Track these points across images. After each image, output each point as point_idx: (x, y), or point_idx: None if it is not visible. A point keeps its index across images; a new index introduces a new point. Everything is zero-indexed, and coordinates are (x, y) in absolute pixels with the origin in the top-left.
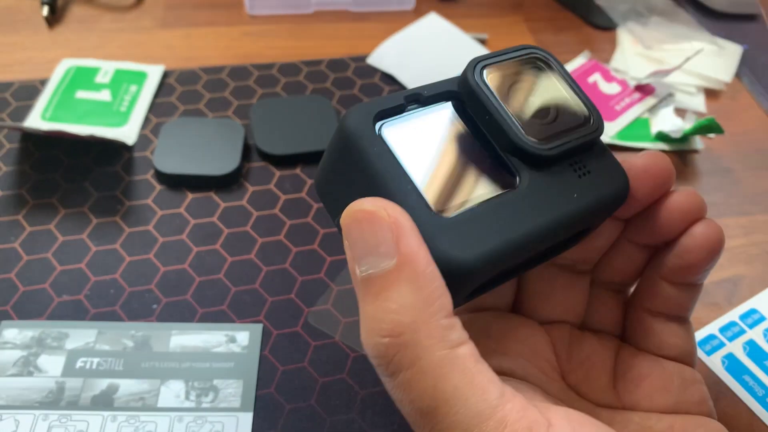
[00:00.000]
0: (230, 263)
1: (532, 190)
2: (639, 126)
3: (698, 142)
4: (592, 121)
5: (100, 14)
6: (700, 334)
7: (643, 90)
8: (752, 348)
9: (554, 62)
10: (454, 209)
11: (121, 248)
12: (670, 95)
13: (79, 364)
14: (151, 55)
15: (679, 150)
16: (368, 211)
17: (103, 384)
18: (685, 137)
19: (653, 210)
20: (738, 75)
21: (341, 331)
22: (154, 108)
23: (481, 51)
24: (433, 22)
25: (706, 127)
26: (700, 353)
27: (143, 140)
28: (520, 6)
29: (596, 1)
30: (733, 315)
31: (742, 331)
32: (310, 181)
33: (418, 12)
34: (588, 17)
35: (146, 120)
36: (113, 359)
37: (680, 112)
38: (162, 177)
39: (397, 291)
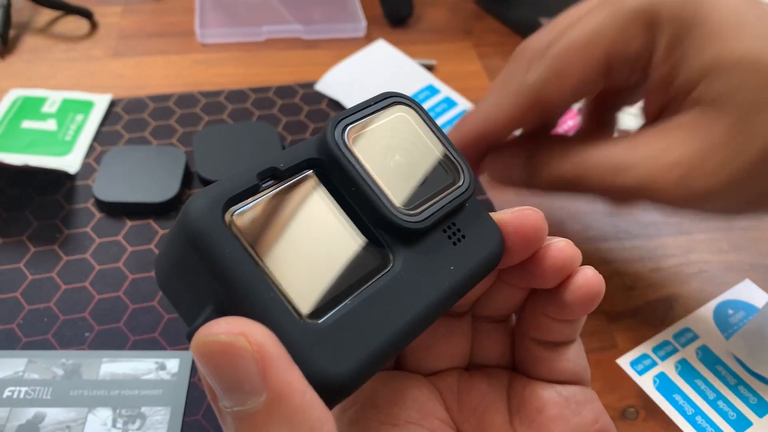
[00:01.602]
0: None
1: (406, 270)
2: None
3: None
4: (463, 178)
5: (52, 44)
6: (633, 354)
7: None
8: (684, 367)
9: (420, 111)
10: (324, 310)
11: (57, 276)
12: None
13: (6, 393)
14: (101, 85)
15: None
16: (224, 343)
17: (29, 413)
18: None
19: (527, 263)
20: None
21: None
22: (99, 137)
23: (428, 77)
24: (380, 49)
25: None
26: (632, 373)
27: (86, 169)
28: (469, 32)
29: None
30: (667, 334)
31: (674, 350)
32: None
33: (369, 39)
34: None
35: (91, 149)
36: (41, 388)
37: (623, 133)
38: (102, 205)
39: (274, 431)
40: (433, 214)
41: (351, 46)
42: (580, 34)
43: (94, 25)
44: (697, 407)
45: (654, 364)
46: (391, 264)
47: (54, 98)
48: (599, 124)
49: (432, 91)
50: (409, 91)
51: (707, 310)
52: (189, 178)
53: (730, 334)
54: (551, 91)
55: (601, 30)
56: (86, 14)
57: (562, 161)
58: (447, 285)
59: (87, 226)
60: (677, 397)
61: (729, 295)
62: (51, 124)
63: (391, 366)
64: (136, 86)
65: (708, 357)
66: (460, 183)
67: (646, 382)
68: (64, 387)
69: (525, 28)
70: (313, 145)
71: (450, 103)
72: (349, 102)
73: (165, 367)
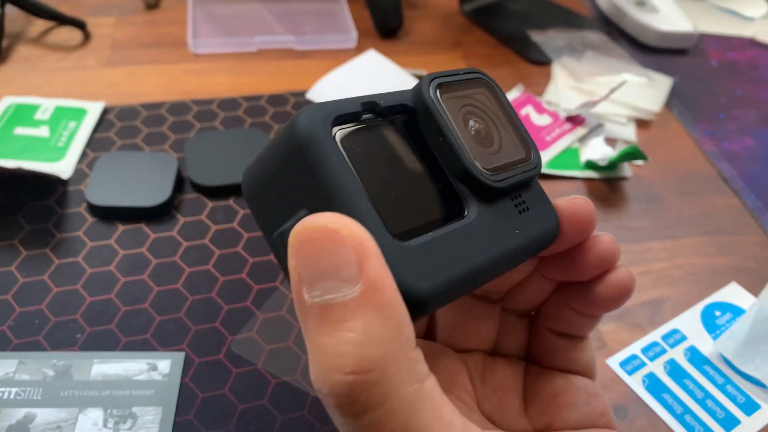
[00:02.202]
0: (156, 293)
1: (480, 222)
2: (569, 155)
3: (627, 169)
4: (533, 157)
5: (45, 54)
6: (622, 355)
7: (574, 120)
8: (673, 367)
9: (499, 91)
10: (411, 234)
11: (49, 279)
12: (600, 125)
13: None
14: (93, 93)
15: (609, 177)
16: (329, 229)
17: (19, 413)
18: (612, 165)
19: (572, 252)
20: (668, 105)
21: (264, 358)
22: (91, 143)
23: None
24: (371, 59)
25: (630, 154)
26: (622, 373)
27: (79, 174)
28: (458, 43)
29: (532, 38)
30: (656, 335)
31: (663, 351)
32: (242, 212)
33: (360, 50)
34: (524, 53)
35: (83, 155)
36: (32, 389)
37: (611, 141)
38: (94, 209)
39: (363, 321)
40: (508, 178)
41: (342, 56)
42: None
43: (87, 36)
44: (686, 406)
45: (643, 364)
46: (466, 213)
47: (47, 105)
48: None
49: None
50: None
51: (695, 311)
52: (181, 184)
53: (718, 335)
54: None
55: None
56: (79, 25)
57: None
58: (513, 243)
59: (79, 230)
60: (666, 396)
61: (716, 297)
62: (44, 131)
63: (422, 334)
64: (129, 94)
65: (696, 357)
66: (530, 160)
67: (635, 382)
68: (54, 388)
69: (513, 40)
70: (408, 94)
71: None
72: None
73: (156, 368)
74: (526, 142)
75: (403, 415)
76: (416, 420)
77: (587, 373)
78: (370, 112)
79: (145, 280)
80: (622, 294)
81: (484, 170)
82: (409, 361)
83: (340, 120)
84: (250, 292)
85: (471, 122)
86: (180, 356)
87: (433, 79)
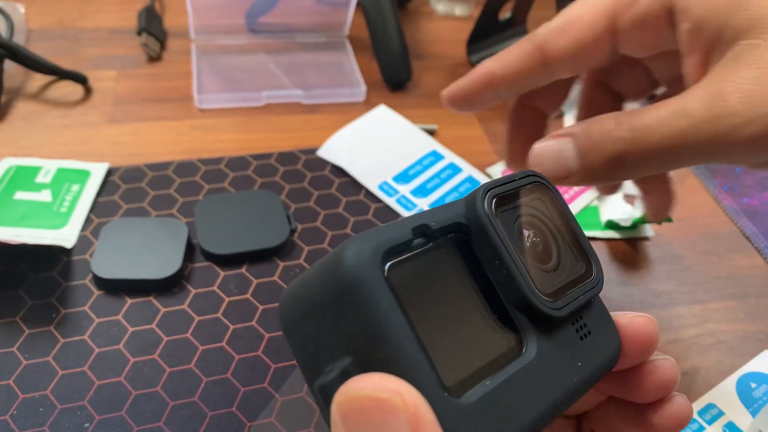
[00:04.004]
0: (168, 374)
1: (540, 359)
2: (589, 214)
3: (648, 229)
4: (594, 272)
5: (46, 110)
6: None
7: None
8: None
9: (556, 194)
10: (466, 387)
11: (53, 361)
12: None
13: None
14: (96, 152)
15: (630, 237)
16: (379, 399)
17: None
18: (635, 225)
19: (628, 373)
20: None
21: None
22: (96, 208)
23: (431, 142)
24: (382, 114)
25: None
26: None
27: (83, 242)
28: None
29: None
30: (692, 412)
31: (701, 428)
32: (256, 281)
33: (368, 103)
34: None
35: (87, 221)
36: None
37: (629, 198)
38: (100, 282)
39: None
40: (569, 304)
41: (351, 110)
42: None
43: (88, 90)
44: None
45: None
46: (524, 348)
47: (48, 167)
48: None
49: (436, 156)
50: (413, 156)
51: (729, 383)
52: (191, 252)
53: (756, 409)
54: (555, 42)
55: None
56: (80, 79)
57: (616, 129)
58: (576, 380)
59: (85, 304)
60: None
61: (750, 367)
62: (46, 195)
63: None
64: (133, 153)
65: None
66: (592, 277)
67: None
68: None
69: None
70: (460, 208)
71: (455, 169)
72: (353, 169)
73: None
74: (586, 253)
75: None
76: None
77: None
78: (420, 236)
79: (156, 359)
80: (678, 427)
81: (545, 297)
82: None
83: (390, 253)
84: (268, 372)
85: (527, 233)
86: None
87: (488, 191)
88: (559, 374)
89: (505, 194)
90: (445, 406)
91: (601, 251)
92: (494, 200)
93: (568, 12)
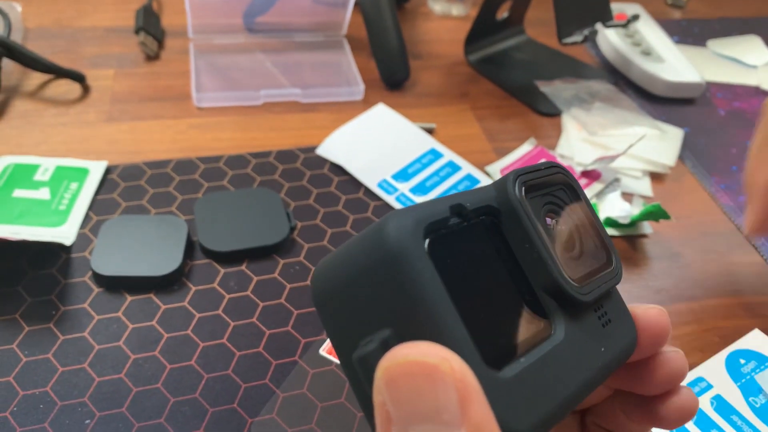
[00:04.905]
0: (169, 371)
1: (569, 341)
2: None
3: (647, 226)
4: (614, 263)
5: (43, 108)
6: None
7: (590, 175)
8: (700, 417)
9: (578, 187)
10: (503, 362)
11: (53, 358)
12: (617, 180)
13: None
14: (94, 150)
15: (629, 235)
16: (428, 365)
17: None
18: (633, 223)
19: (639, 365)
20: (681, 158)
21: None
22: (95, 205)
23: (430, 141)
24: (381, 113)
25: (653, 214)
26: None
27: (82, 240)
28: (466, 95)
29: (540, 89)
30: None
31: None
32: (256, 279)
33: (366, 102)
34: (532, 104)
35: (86, 218)
36: None
37: (627, 196)
38: (100, 279)
39: None
40: (594, 290)
41: (349, 109)
42: None
43: (86, 89)
44: None
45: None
46: (554, 330)
47: (47, 165)
48: None
49: (435, 155)
50: (412, 155)
51: (719, 359)
52: (191, 249)
53: (744, 384)
54: None
55: None
56: (78, 77)
57: None
58: (600, 364)
59: (84, 302)
60: None
61: (740, 344)
62: (44, 193)
63: None
64: (132, 152)
65: (722, 406)
66: (612, 267)
67: None
68: None
69: (520, 91)
70: (491, 192)
71: (454, 167)
72: (351, 166)
73: None
74: (606, 245)
75: None
76: None
77: None
78: (457, 216)
79: (157, 356)
80: (684, 419)
81: (573, 282)
82: None
83: (430, 228)
84: (269, 368)
85: (552, 222)
86: None
87: (519, 176)
88: (586, 357)
89: (533, 182)
90: (487, 378)
91: None
92: (524, 186)
93: None
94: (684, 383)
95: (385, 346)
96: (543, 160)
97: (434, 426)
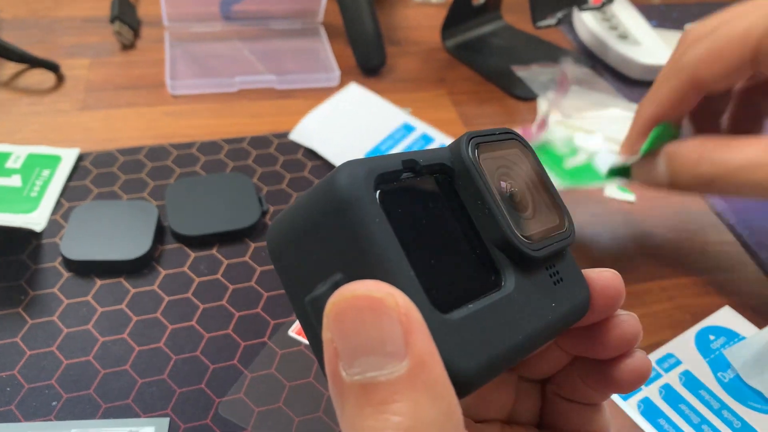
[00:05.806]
0: (137, 352)
1: (518, 293)
2: (586, 170)
3: (630, 195)
4: (567, 224)
5: (17, 98)
6: None
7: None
8: (668, 392)
9: (532, 153)
10: (450, 306)
11: (21, 342)
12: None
13: None
14: (68, 138)
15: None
16: (373, 298)
17: None
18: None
19: (593, 328)
20: None
21: (254, 422)
22: (66, 192)
23: (402, 116)
24: (353, 92)
25: (661, 136)
26: (617, 398)
27: (53, 226)
28: (443, 80)
29: (517, 74)
30: (650, 360)
31: (658, 376)
32: (227, 262)
33: (342, 87)
34: (509, 89)
35: (58, 205)
36: None
37: (610, 140)
38: (70, 264)
39: (412, 402)
40: (546, 247)
41: (325, 95)
42: (737, 25)
43: (60, 78)
44: (681, 431)
45: (638, 389)
46: (504, 283)
47: (18, 153)
48: (746, 119)
49: (408, 129)
50: (385, 131)
51: (689, 335)
52: (161, 234)
53: (713, 359)
54: (704, 71)
55: (755, 25)
56: (52, 67)
57: (700, 163)
58: (551, 317)
59: (54, 286)
60: (662, 421)
61: (709, 321)
62: (15, 180)
63: None
64: (105, 139)
65: (691, 382)
66: (564, 228)
67: (630, 407)
68: None
69: (497, 76)
70: (445, 153)
71: (427, 139)
72: (324, 150)
73: None
74: (560, 207)
75: None
76: None
77: None
78: (409, 170)
79: (126, 339)
80: (638, 381)
81: (523, 238)
82: None
83: (381, 179)
84: (237, 350)
85: (506, 184)
86: (164, 422)
87: (472, 138)
88: (535, 310)
89: (487, 143)
90: (432, 318)
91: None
92: (477, 147)
93: (717, 40)
94: (653, 359)
95: (336, 287)
96: (498, 128)
97: (379, 358)
